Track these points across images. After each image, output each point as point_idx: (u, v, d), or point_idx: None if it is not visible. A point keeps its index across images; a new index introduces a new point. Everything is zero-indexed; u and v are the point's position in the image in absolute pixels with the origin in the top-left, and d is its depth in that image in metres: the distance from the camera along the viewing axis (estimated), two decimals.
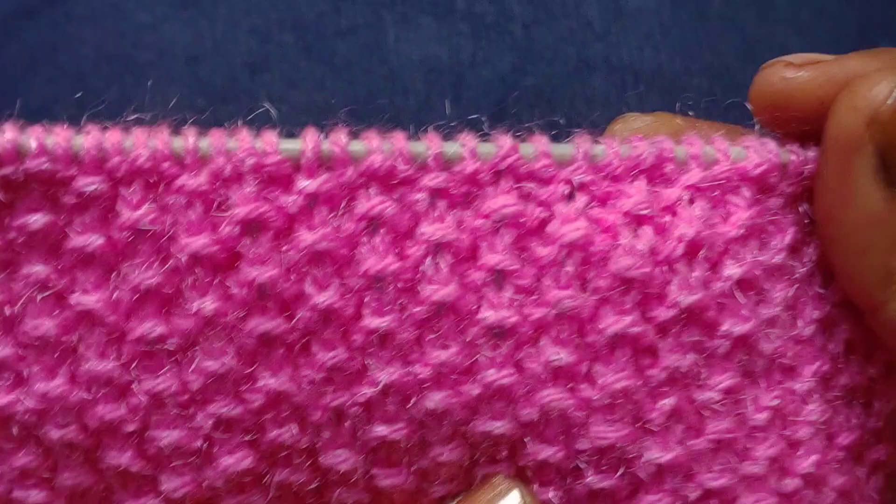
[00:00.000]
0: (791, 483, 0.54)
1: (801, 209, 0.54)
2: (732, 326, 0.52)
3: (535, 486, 0.53)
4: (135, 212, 0.49)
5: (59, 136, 0.48)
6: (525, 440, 0.52)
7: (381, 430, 0.52)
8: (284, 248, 0.50)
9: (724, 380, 0.53)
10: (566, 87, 0.80)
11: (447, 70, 0.79)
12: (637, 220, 0.51)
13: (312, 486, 0.53)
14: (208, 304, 0.50)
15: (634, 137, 0.53)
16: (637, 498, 0.53)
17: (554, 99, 0.68)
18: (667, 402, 0.52)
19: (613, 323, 0.51)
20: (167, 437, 0.51)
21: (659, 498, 0.53)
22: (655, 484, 0.53)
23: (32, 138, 0.48)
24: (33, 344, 0.50)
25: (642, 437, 0.52)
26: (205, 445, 0.52)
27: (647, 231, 0.51)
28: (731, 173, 0.52)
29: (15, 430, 0.51)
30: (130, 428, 0.51)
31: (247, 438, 0.52)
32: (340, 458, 0.52)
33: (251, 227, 0.49)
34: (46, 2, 0.74)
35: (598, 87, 0.79)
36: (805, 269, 0.54)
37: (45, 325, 0.50)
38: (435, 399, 0.51)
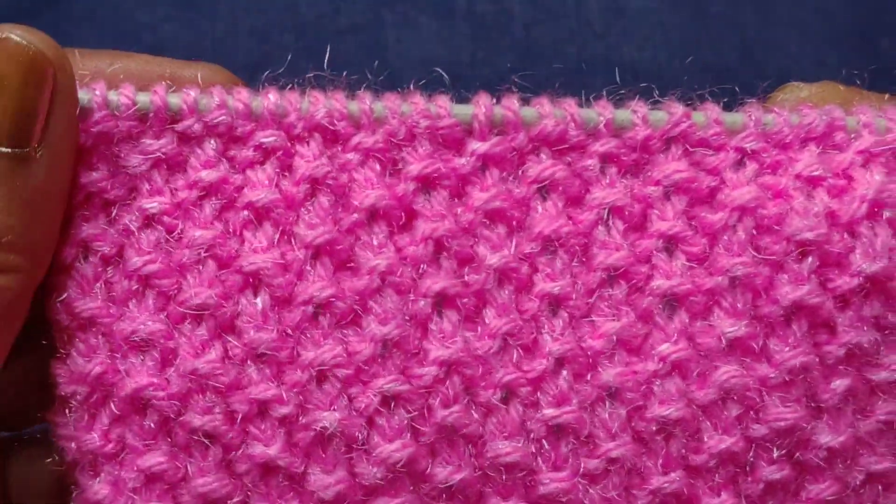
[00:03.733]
0: None
1: None
2: None
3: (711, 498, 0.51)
4: (312, 163, 0.49)
5: (239, 95, 0.49)
6: (701, 428, 0.50)
7: (550, 413, 0.50)
8: (458, 210, 0.50)
9: None
10: (566, 87, 0.79)
11: (447, 70, 0.79)
12: (810, 182, 0.50)
13: (472, 491, 0.51)
14: (383, 261, 0.49)
15: (803, 106, 0.51)
16: (804, 488, 0.51)
17: (554, 99, 0.68)
18: (842, 383, 0.50)
19: (790, 292, 0.49)
20: (326, 418, 0.49)
21: (827, 486, 0.51)
22: (822, 471, 0.51)
23: (214, 96, 0.49)
24: (188, 315, 0.49)
25: (815, 420, 0.50)
26: (364, 432, 0.49)
27: (821, 193, 0.50)
28: None
29: (151, 422, 0.50)
30: (284, 410, 0.49)
31: (411, 420, 0.49)
32: (506, 449, 0.50)
33: (426, 185, 0.50)
34: (46, 2, 0.74)
35: (598, 87, 0.79)
36: None
37: (206, 293, 0.49)
38: (610, 373, 0.50)
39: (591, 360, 0.50)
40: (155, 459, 0.50)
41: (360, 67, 0.79)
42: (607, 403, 0.50)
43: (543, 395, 0.50)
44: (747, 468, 0.51)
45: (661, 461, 0.50)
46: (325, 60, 0.53)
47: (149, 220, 0.49)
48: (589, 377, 0.50)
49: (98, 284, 0.49)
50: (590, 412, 0.50)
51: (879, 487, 0.52)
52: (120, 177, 0.49)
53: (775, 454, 0.50)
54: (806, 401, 0.50)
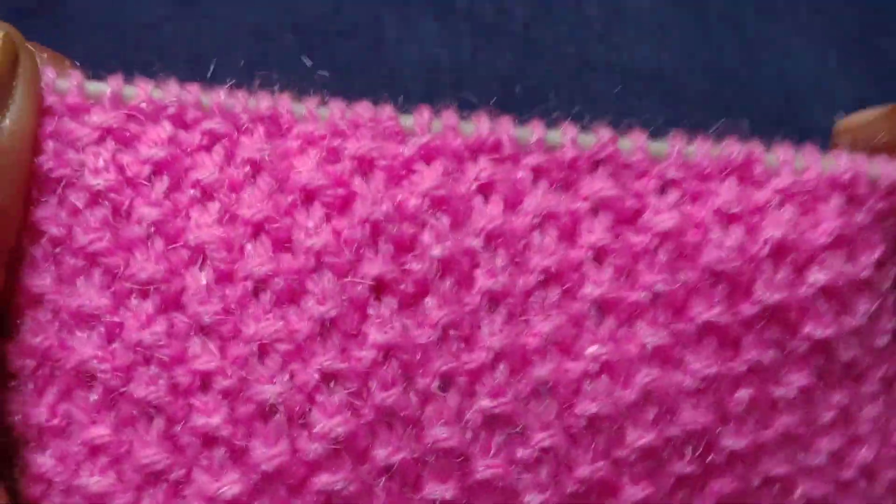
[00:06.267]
0: (847, 474, 0.56)
1: (889, 225, 0.56)
2: (814, 330, 0.54)
3: (631, 487, 0.54)
4: (254, 146, 0.52)
5: (191, 88, 0.53)
6: (624, 425, 0.53)
7: (486, 403, 0.52)
8: (399, 196, 0.52)
9: (800, 378, 0.54)
10: (566, 87, 0.80)
11: (447, 70, 0.79)
12: (727, 218, 0.53)
13: (410, 473, 0.52)
14: (317, 241, 0.51)
15: (730, 140, 0.55)
16: (709, 483, 0.55)
17: (554, 99, 0.68)
18: (745, 393, 0.54)
19: (703, 312, 0.53)
20: (267, 391, 0.51)
21: (728, 482, 0.55)
22: (725, 470, 0.55)
23: (169, 87, 0.53)
24: (134, 290, 0.51)
25: (722, 425, 0.54)
26: (305, 407, 0.51)
27: (736, 229, 0.53)
28: (820, 181, 0.54)
29: (95, 395, 0.51)
30: (226, 383, 0.51)
31: (350, 398, 0.51)
32: (444, 435, 0.52)
33: (364, 168, 0.52)
34: (46, 2, 0.74)
35: (598, 87, 0.79)
36: (889, 284, 0.55)
37: (153, 268, 0.51)
38: (544, 369, 0.52)
39: (526, 357, 0.53)
40: (99, 432, 0.51)
41: (360, 67, 0.79)
42: (541, 398, 0.53)
43: (481, 386, 0.52)
44: (662, 463, 0.54)
45: (589, 453, 0.53)
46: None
47: (95, 198, 0.51)
48: (524, 372, 0.53)
49: (48, 263, 0.51)
50: (524, 405, 0.53)
51: (778, 488, 0.56)
52: (66, 154, 0.51)
53: (687, 453, 0.54)
54: (715, 408, 0.54)
